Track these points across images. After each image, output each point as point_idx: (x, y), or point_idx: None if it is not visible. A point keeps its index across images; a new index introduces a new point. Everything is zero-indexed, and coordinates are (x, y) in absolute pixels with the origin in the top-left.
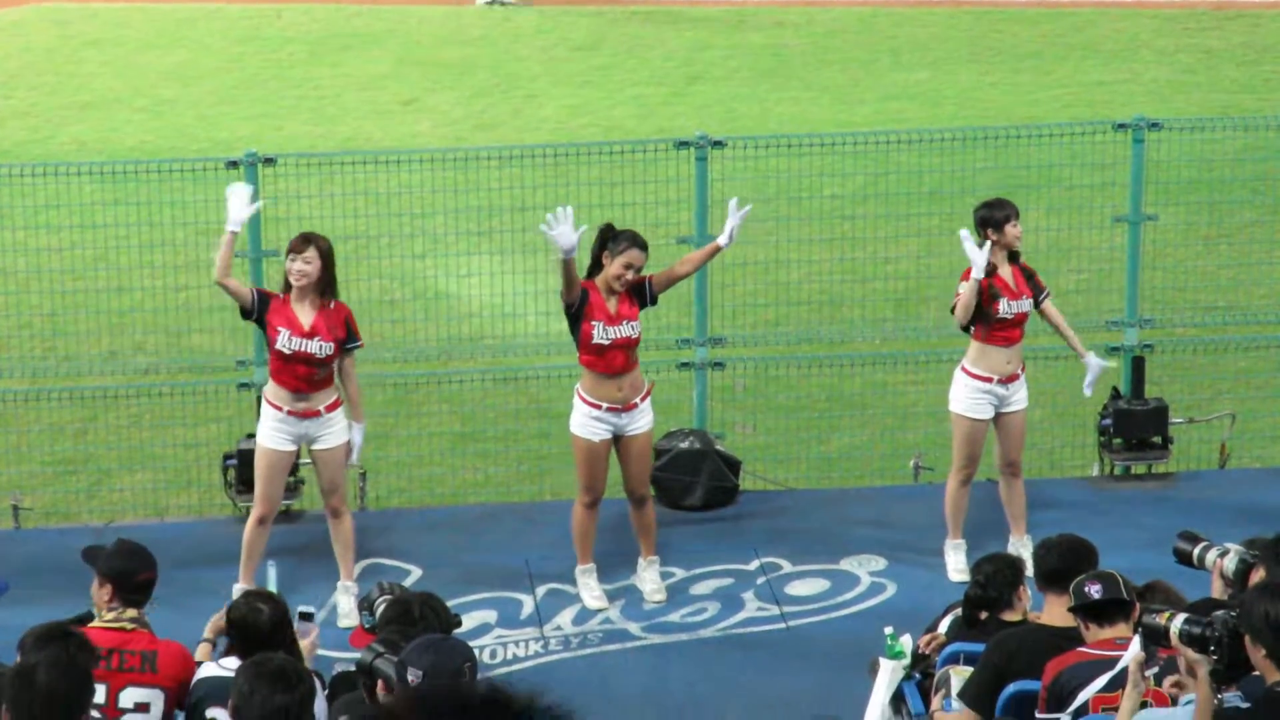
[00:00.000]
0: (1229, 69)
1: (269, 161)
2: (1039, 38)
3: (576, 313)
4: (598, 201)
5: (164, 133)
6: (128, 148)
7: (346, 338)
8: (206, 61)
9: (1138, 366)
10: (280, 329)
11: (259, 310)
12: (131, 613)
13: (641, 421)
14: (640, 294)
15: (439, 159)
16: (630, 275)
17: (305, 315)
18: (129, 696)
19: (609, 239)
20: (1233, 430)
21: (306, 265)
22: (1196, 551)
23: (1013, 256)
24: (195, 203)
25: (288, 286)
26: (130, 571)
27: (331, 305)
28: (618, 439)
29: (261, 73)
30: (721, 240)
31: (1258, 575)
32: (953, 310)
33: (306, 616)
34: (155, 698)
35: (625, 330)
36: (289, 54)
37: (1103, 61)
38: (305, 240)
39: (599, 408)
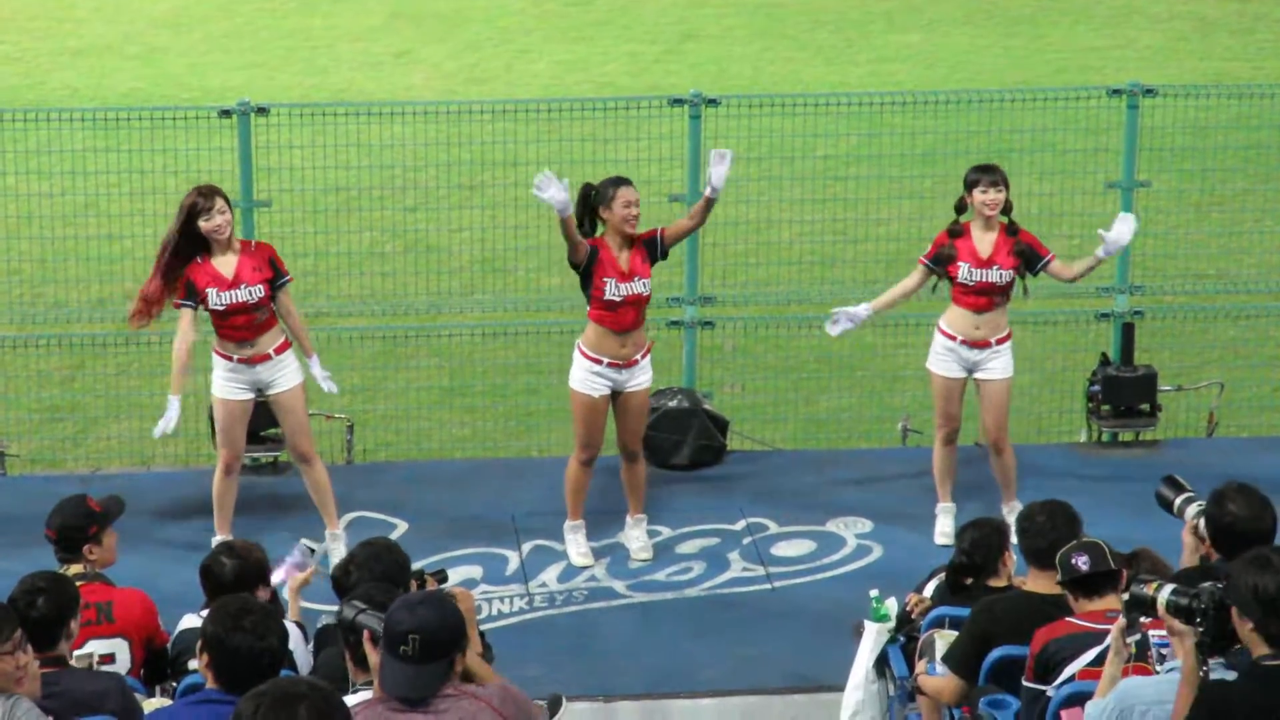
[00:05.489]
0: (1223, 36)
1: (262, 111)
2: (1033, 1)
3: (587, 269)
4: (589, 158)
5: (156, 80)
6: (119, 95)
7: (275, 275)
8: (198, 9)
9: (1127, 333)
10: (208, 290)
11: (194, 295)
12: (76, 568)
13: (641, 378)
14: (652, 248)
15: (431, 112)
16: (636, 210)
17: (227, 266)
18: (91, 649)
19: (594, 196)
20: (1220, 399)
21: (224, 215)
22: (1178, 502)
23: (1011, 228)
24: (187, 151)
25: (187, 251)
26: (47, 525)
27: (253, 246)
28: (615, 395)
29: (254, 22)
30: (707, 191)
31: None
32: None
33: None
34: (119, 647)
35: (638, 287)
36: (282, 3)
37: (1096, 27)
38: (211, 194)
39: (600, 363)
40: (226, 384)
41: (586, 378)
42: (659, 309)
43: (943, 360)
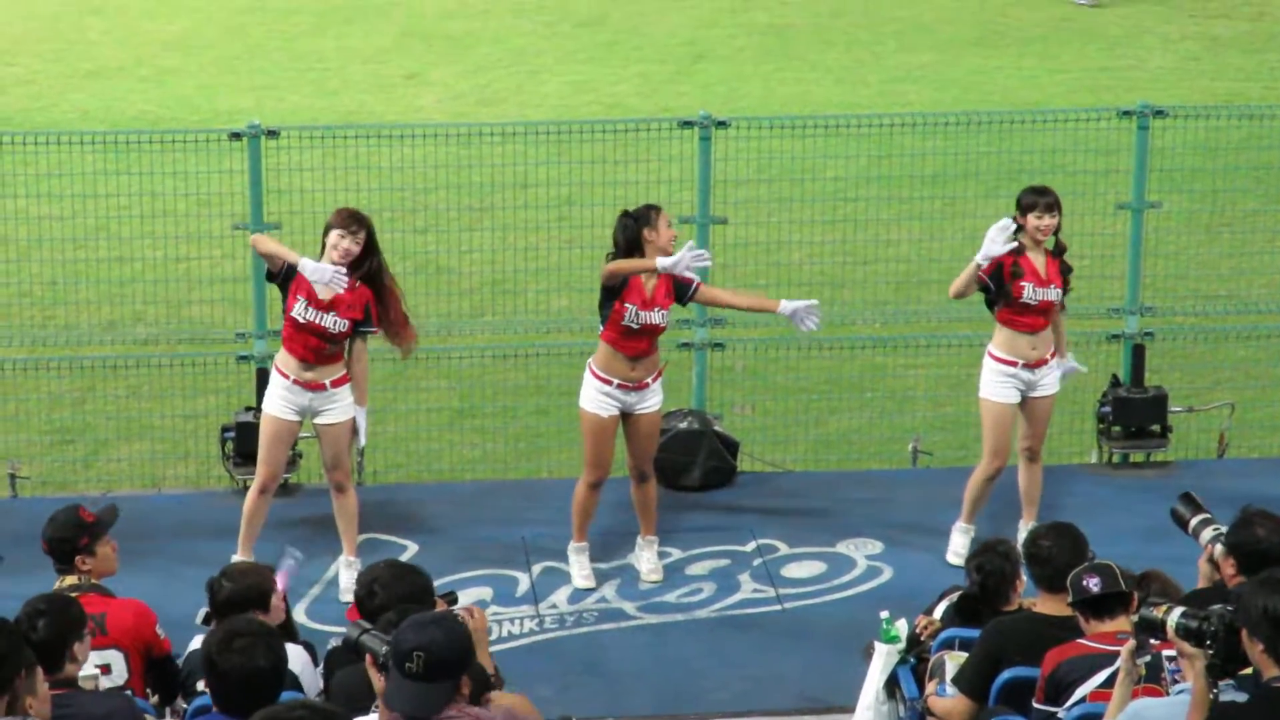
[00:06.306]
0: (1234, 57)
1: (272, 134)
2: (1044, 22)
3: (615, 290)
4: (600, 180)
5: (166, 102)
6: (130, 117)
7: (363, 320)
8: (209, 31)
9: (1138, 354)
10: (299, 297)
11: (285, 276)
12: (70, 579)
13: (651, 401)
14: (681, 290)
15: (441, 134)
16: (675, 233)
17: (327, 290)
18: (88, 662)
19: (638, 223)
20: (1231, 420)
21: (356, 247)
22: (1193, 523)
23: (1058, 250)
24: (197, 174)
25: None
26: (40, 536)
27: (356, 284)
28: (625, 416)
29: (265, 43)
30: (777, 307)
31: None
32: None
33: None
34: (114, 658)
35: (656, 318)
36: (293, 25)
37: (1107, 47)
38: (360, 222)
39: (610, 384)
40: (280, 402)
41: (596, 398)
42: (669, 331)
43: (1003, 388)
